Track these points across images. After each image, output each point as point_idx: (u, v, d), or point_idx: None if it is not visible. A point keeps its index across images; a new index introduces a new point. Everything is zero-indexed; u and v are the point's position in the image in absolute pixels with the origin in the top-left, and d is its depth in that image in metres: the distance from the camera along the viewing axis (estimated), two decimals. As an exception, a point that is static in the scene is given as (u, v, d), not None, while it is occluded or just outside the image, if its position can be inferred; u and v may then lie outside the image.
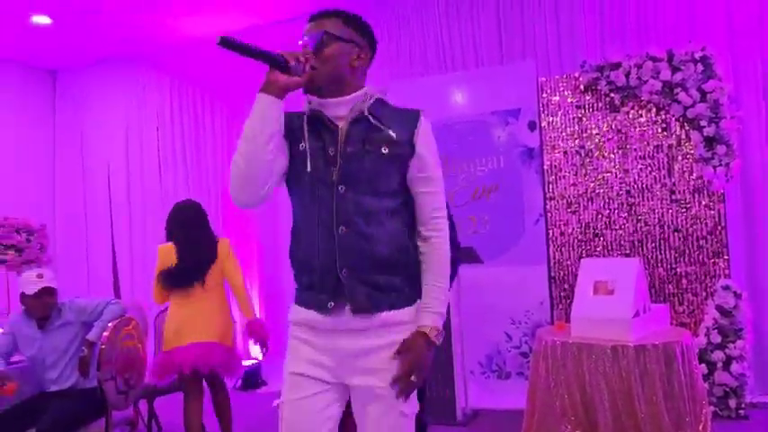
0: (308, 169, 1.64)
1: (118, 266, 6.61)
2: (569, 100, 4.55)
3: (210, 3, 5.41)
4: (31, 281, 3.22)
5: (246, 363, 5.65)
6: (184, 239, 3.41)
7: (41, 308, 3.24)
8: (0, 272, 4.05)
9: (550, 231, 4.58)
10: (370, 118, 1.66)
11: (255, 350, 5.67)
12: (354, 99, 1.67)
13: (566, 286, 4.49)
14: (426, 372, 1.64)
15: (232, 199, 1.66)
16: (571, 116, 4.55)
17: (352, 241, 1.61)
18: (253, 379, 5.67)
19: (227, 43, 1.49)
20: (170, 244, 3.42)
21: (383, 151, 1.63)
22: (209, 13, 5.63)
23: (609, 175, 4.44)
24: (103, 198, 6.71)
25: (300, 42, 1.68)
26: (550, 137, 4.60)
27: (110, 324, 3.21)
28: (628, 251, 4.35)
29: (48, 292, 3.24)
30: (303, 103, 1.72)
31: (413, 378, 1.60)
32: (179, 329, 3.31)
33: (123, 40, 6.13)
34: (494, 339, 4.66)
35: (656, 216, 4.30)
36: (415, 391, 1.66)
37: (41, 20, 5.56)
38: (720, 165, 4.07)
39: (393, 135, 1.65)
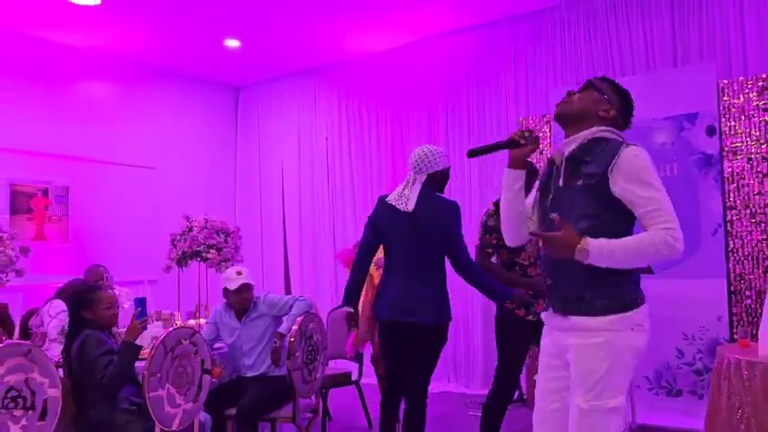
0: None
1: (289, 268, 7.21)
2: (755, 103, 4.27)
3: (378, 21, 5.71)
4: (232, 278, 3.64)
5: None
6: None
7: (241, 301, 3.64)
8: (202, 269, 4.59)
9: (731, 243, 4.32)
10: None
11: None
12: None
13: (748, 302, 4.21)
14: (553, 249, 1.93)
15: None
16: (757, 120, 4.27)
17: None
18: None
19: (474, 153, 2.05)
20: None
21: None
22: (378, 30, 5.95)
23: (801, 183, 4.11)
24: (277, 203, 7.34)
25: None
26: (732, 142, 4.35)
27: (298, 318, 3.52)
28: (823, 266, 4.00)
29: (246, 287, 3.64)
30: None
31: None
32: None
33: (299, 57, 6.65)
34: (663, 354, 4.46)
35: None
36: None
37: (232, 43, 6.19)
38: None
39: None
